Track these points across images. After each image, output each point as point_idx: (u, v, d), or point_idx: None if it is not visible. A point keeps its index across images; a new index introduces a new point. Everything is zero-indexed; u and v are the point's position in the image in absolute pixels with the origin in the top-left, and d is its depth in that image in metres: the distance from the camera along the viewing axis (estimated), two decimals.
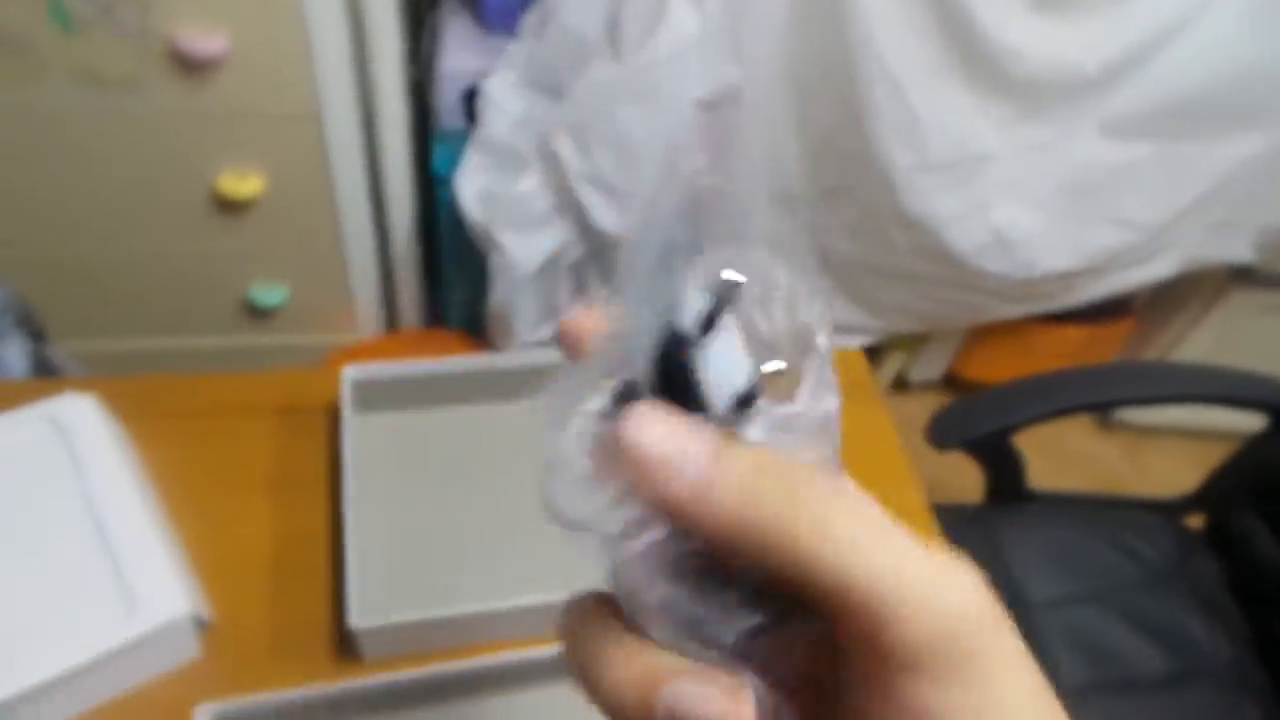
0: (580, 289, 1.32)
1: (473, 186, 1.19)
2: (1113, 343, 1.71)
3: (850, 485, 0.22)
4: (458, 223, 1.23)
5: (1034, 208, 1.30)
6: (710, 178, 0.18)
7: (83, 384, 0.68)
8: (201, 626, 0.60)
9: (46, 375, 0.88)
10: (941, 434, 0.96)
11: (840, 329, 1.53)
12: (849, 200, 1.31)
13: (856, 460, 0.87)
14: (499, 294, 1.27)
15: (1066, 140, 1.22)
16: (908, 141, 1.17)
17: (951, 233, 1.28)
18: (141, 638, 0.55)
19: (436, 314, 1.47)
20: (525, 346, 1.32)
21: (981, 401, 1.01)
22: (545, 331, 1.33)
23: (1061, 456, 1.73)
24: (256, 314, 1.32)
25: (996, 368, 1.72)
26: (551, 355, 0.75)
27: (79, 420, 0.63)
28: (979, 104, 1.18)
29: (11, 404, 0.64)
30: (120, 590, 0.56)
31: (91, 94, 1.06)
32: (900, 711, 0.20)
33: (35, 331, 0.83)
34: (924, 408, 0.99)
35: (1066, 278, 1.38)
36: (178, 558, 0.62)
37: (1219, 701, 0.92)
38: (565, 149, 1.14)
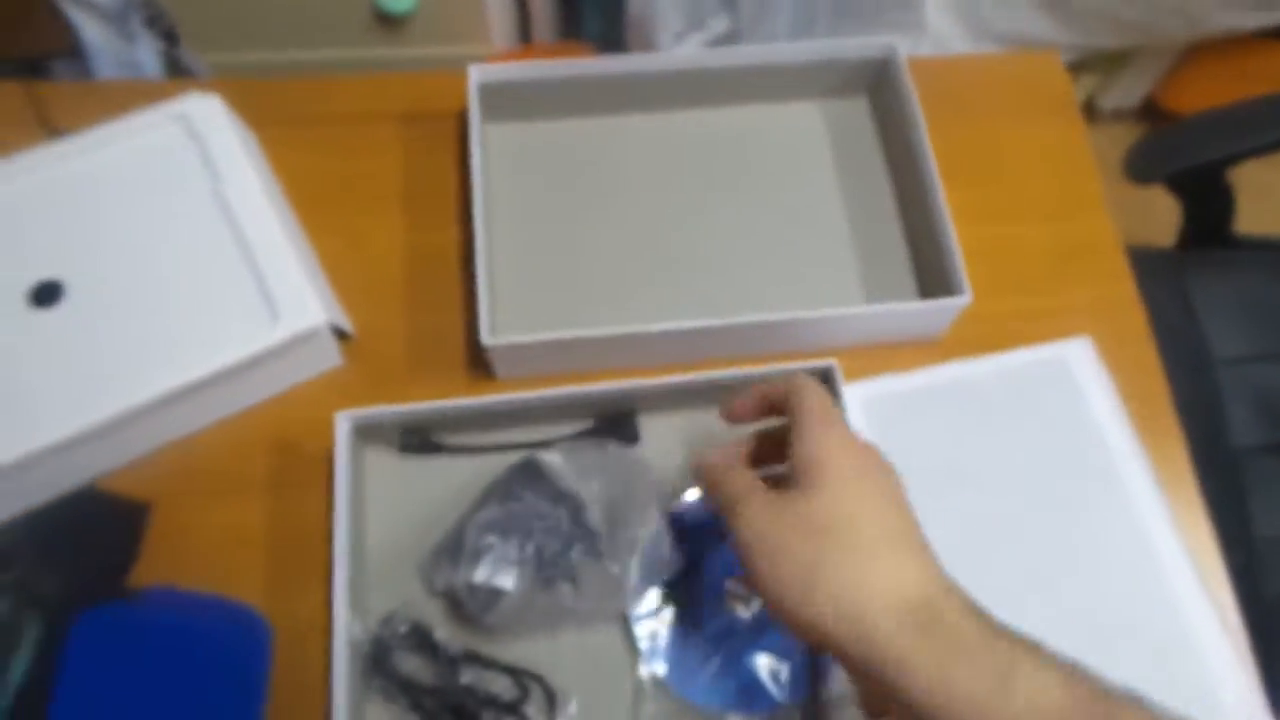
0: None
1: None
2: None
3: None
4: None
5: None
6: None
7: (209, 85, 0.65)
8: (343, 337, 0.60)
9: (180, 78, 0.86)
10: (1144, 164, 0.83)
11: (1023, 42, 1.33)
12: None
13: (1044, 187, 0.76)
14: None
15: None
16: None
17: None
18: (283, 345, 0.55)
19: (574, 25, 1.36)
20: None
21: (1197, 126, 0.86)
22: (691, 43, 1.21)
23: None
24: (386, 23, 1.25)
25: (1209, 96, 1.47)
26: (695, 57, 0.66)
27: (208, 121, 0.61)
28: None
29: (147, 103, 0.62)
30: (261, 297, 0.56)
31: None
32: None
33: (167, 33, 0.80)
34: (1114, 141, 0.85)
35: None
36: (315, 268, 0.61)
37: None
38: None
